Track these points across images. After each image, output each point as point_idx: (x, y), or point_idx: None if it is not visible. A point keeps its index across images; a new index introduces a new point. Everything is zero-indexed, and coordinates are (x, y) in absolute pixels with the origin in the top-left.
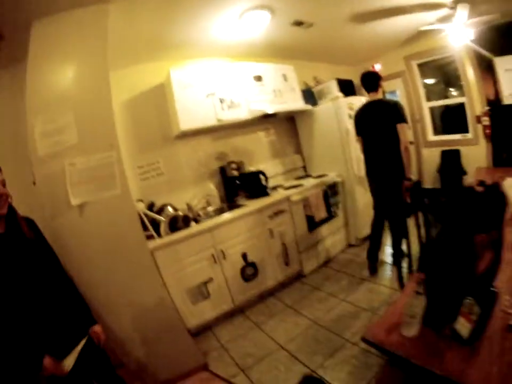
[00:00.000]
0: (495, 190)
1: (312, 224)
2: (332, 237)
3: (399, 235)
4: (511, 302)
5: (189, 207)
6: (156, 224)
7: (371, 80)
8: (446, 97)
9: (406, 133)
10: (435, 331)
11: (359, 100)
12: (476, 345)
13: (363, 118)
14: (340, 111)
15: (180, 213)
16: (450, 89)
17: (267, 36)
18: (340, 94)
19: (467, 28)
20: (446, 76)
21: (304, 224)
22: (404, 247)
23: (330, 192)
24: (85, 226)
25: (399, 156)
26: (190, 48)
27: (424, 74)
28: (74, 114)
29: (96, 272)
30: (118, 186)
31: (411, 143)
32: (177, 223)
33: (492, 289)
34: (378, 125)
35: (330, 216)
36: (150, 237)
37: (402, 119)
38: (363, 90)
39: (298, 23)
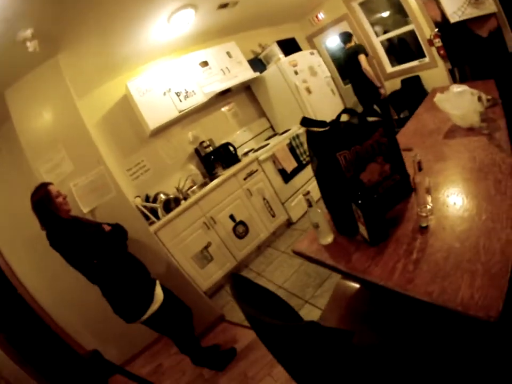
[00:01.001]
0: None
1: (286, 176)
2: (311, 183)
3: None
4: (424, 205)
5: (178, 190)
6: (155, 212)
7: (345, 37)
8: (407, 23)
9: (362, 60)
10: (348, 237)
11: (302, 55)
12: (382, 246)
13: (344, 60)
14: (284, 71)
15: (171, 196)
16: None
17: (200, 26)
18: (281, 56)
19: None
20: (396, 5)
21: (279, 177)
22: None
23: (295, 143)
24: None
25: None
26: (138, 58)
27: (376, 10)
28: (65, 149)
29: None
30: (112, 190)
31: (379, 87)
32: (170, 205)
33: (373, 195)
34: (350, 62)
35: (302, 165)
36: (152, 223)
37: (359, 53)
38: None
39: (224, 6)
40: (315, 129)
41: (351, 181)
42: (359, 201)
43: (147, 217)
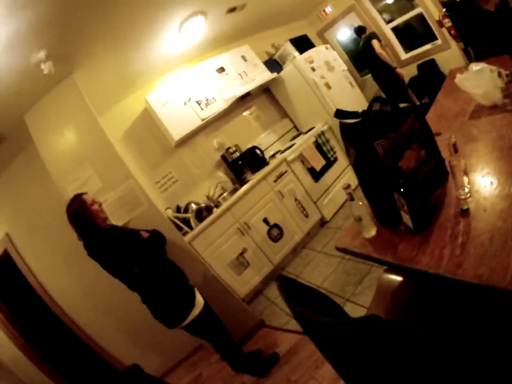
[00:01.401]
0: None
1: (316, 174)
2: (341, 179)
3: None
4: (463, 188)
5: (209, 198)
6: (187, 222)
7: (359, 31)
8: (413, 6)
9: (375, 44)
10: (391, 228)
11: (317, 51)
12: (427, 234)
13: (361, 48)
14: (301, 68)
15: (203, 205)
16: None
17: (212, 32)
18: (296, 54)
19: None
20: None
21: (308, 177)
22: None
23: (321, 140)
24: None
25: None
26: (154, 70)
27: None
28: (91, 166)
29: None
30: (144, 202)
31: (395, 67)
32: (202, 214)
33: (413, 181)
34: (365, 50)
35: (330, 162)
36: (186, 233)
37: (371, 39)
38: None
39: (232, 10)
40: (349, 120)
41: (390, 169)
42: (402, 189)
43: (180, 228)
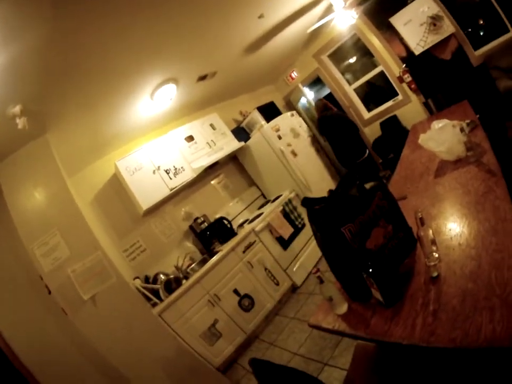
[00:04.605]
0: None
1: (284, 242)
2: (309, 245)
3: None
4: (431, 255)
5: (177, 268)
6: (156, 293)
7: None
8: (375, 65)
9: None
10: (363, 303)
11: (283, 119)
12: (399, 305)
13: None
14: (268, 137)
15: (171, 276)
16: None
17: (182, 99)
18: (263, 122)
19: (348, 9)
20: (363, 49)
21: (277, 245)
22: None
23: (288, 208)
24: (101, 312)
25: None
26: (125, 135)
27: (342, 59)
28: (60, 233)
29: (117, 343)
30: (112, 275)
31: None
32: (171, 285)
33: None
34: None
35: (298, 229)
36: (155, 304)
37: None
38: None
39: (203, 77)
40: (316, 207)
41: (359, 251)
42: (370, 270)
43: (149, 299)
